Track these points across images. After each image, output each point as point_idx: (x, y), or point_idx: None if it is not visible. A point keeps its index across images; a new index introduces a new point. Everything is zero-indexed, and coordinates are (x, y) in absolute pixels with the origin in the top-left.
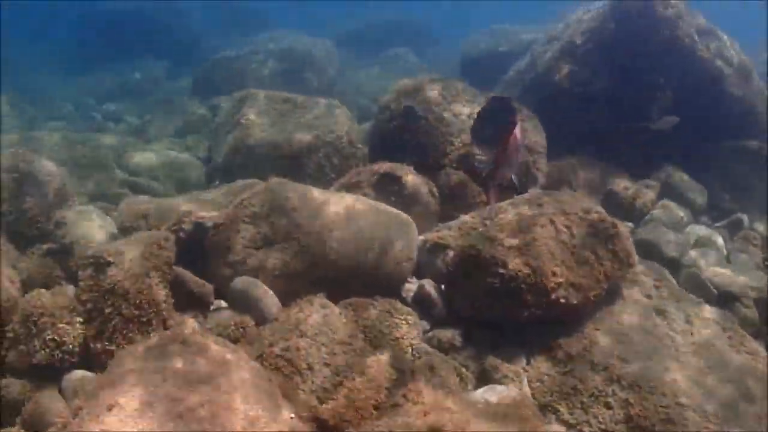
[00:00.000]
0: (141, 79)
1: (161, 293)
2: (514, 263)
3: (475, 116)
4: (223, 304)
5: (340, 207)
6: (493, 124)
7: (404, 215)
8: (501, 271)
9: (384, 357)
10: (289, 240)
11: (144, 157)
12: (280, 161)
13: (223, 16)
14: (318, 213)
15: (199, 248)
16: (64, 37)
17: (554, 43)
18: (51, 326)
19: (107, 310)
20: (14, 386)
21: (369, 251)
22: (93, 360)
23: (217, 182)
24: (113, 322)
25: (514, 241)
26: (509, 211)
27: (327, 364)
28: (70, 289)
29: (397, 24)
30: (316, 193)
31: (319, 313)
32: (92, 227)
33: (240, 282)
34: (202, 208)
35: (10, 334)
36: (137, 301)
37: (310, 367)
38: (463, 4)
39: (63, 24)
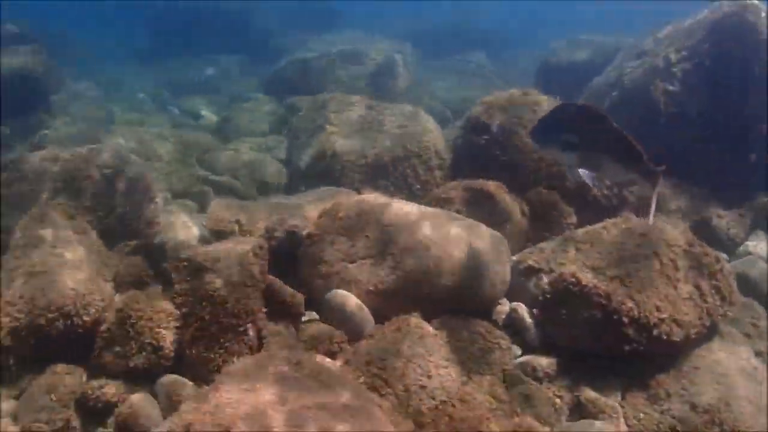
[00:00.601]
0: (214, 75)
1: (257, 302)
2: (617, 295)
3: (547, 120)
4: (315, 315)
5: (436, 224)
6: (579, 132)
7: (499, 236)
8: (603, 302)
9: (484, 384)
10: (384, 255)
11: (226, 156)
12: (364, 169)
13: (294, 13)
14: (414, 229)
15: (290, 257)
16: (137, 29)
17: (645, 58)
18: (149, 330)
19: (205, 317)
20: (109, 388)
21: (464, 271)
22: (186, 365)
23: (303, 188)
24: (211, 330)
25: (617, 272)
26: (607, 237)
27: (422, 387)
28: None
29: (468, 25)
30: (412, 208)
31: (415, 334)
32: (183, 229)
33: (336, 296)
34: (294, 216)
35: (106, 335)
36: (235, 311)
37: (406, 389)
38: (527, 4)
39: (137, 16)
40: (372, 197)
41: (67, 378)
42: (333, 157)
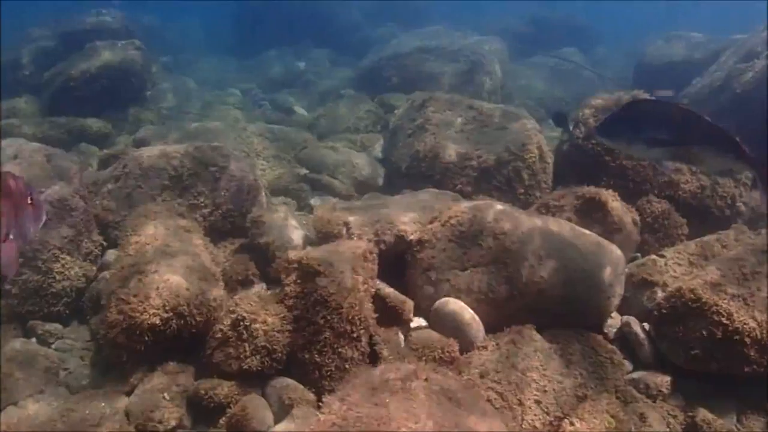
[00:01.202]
0: (305, 70)
1: (369, 308)
2: (739, 314)
3: (620, 116)
4: (423, 322)
5: (551, 233)
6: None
7: (615, 247)
8: (725, 321)
9: (602, 402)
10: (496, 264)
11: (323, 153)
12: (468, 171)
13: (380, 7)
14: (528, 239)
15: (396, 261)
16: (223, 22)
17: (755, 61)
18: (264, 334)
19: (319, 322)
20: (222, 388)
21: (578, 283)
22: (297, 369)
23: (405, 190)
24: (324, 335)
25: (738, 290)
26: (725, 251)
27: (538, 402)
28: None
29: (559, 21)
30: (524, 216)
31: (530, 346)
32: (289, 229)
33: (449, 304)
34: (402, 220)
35: (219, 335)
36: (349, 317)
37: (521, 403)
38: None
39: (223, 10)
40: (485, 204)
41: (179, 377)
42: (435, 159)
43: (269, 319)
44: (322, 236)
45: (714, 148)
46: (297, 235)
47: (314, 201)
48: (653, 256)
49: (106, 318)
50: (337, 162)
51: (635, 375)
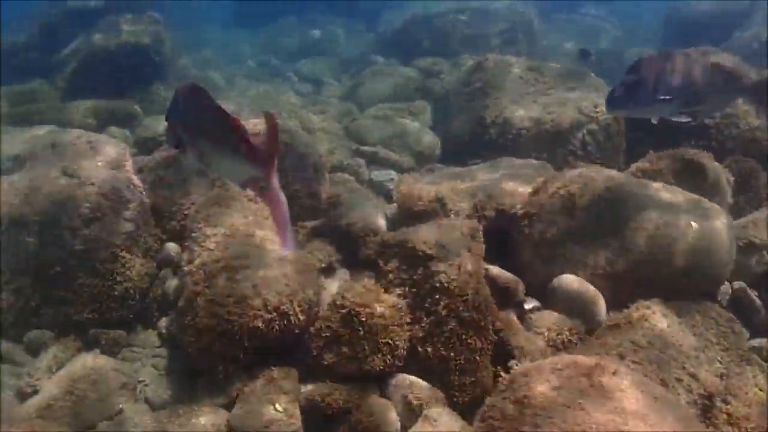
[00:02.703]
0: (321, 38)
1: (488, 292)
2: None
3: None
4: (535, 302)
5: (666, 201)
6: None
7: (724, 211)
8: None
9: (747, 375)
10: (614, 235)
11: (374, 124)
12: (543, 136)
13: None
14: (644, 206)
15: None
16: None
17: None
18: (384, 329)
19: (441, 312)
20: (340, 393)
21: (699, 251)
22: (420, 364)
23: (479, 161)
24: (450, 326)
25: None
26: None
27: (678, 380)
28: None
29: None
30: (635, 183)
31: (662, 322)
32: (370, 208)
33: (569, 280)
34: (505, 191)
35: (327, 333)
36: (475, 304)
37: (664, 383)
38: None
39: None
40: (595, 172)
41: (284, 384)
42: (504, 125)
43: (387, 312)
44: (411, 214)
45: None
46: (381, 218)
47: (376, 175)
48: (751, 217)
49: (195, 323)
50: (389, 134)
51: (755, 342)
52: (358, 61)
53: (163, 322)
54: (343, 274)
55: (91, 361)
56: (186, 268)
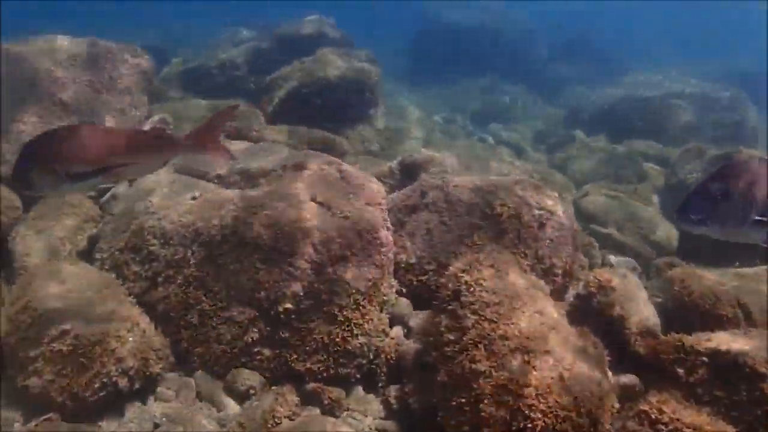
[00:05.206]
0: (510, 103)
1: None
2: None
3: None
4: None
5: None
6: None
7: None
8: None
9: None
10: None
11: (602, 202)
12: None
13: (569, 45)
14: None
15: None
16: (399, 43)
17: None
18: None
19: None
20: None
21: None
22: None
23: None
24: None
25: None
26: None
27: None
28: None
29: None
30: None
31: None
32: (642, 300)
33: None
34: None
35: None
36: None
37: None
38: None
39: (404, 34)
40: None
41: None
42: None
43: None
44: (696, 315)
45: None
46: (651, 309)
47: (615, 261)
48: None
49: (471, 410)
50: (625, 215)
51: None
52: (553, 133)
53: (393, 391)
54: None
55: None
56: (450, 336)
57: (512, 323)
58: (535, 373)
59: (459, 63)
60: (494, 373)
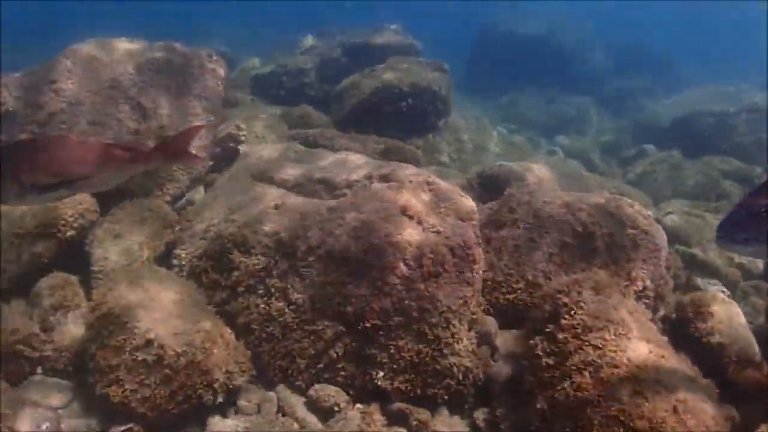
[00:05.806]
0: (576, 115)
1: None
2: None
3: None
4: None
5: None
6: None
7: None
8: None
9: None
10: None
11: (675, 219)
12: None
13: (628, 54)
14: None
15: None
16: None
17: None
18: None
19: None
20: None
21: None
22: None
23: None
24: None
25: None
26: None
27: None
28: None
29: None
30: None
31: None
32: (743, 328)
33: None
34: None
35: None
36: None
37: None
38: None
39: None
40: None
41: None
42: None
43: None
44: None
45: None
46: (750, 337)
47: (703, 283)
48: None
49: None
50: (708, 235)
51: None
52: (623, 146)
53: (482, 414)
54: None
55: None
56: (548, 361)
57: (619, 350)
58: (647, 404)
59: (517, 73)
60: (603, 403)
